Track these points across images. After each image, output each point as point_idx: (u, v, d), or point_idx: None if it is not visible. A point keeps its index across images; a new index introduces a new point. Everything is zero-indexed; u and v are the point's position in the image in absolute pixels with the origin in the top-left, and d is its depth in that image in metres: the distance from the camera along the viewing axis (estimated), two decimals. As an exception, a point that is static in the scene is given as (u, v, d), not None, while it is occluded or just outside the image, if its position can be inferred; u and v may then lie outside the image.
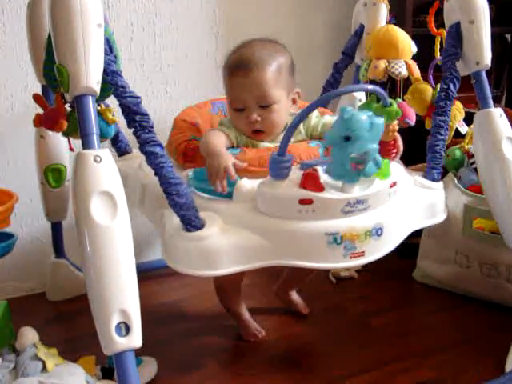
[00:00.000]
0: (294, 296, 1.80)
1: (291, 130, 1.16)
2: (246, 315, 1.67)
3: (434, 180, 1.50)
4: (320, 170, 1.20)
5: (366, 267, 2.05)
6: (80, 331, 1.66)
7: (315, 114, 1.47)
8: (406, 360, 1.55)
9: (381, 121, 1.14)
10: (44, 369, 1.24)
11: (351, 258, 1.22)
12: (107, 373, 1.37)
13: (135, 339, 1.02)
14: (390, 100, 1.30)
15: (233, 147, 1.39)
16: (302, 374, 1.51)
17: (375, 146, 1.15)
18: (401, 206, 1.33)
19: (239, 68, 1.36)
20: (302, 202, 1.17)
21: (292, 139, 1.40)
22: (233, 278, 1.55)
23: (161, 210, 1.28)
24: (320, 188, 1.18)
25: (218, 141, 1.33)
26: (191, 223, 1.17)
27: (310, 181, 1.17)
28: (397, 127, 1.37)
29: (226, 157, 1.26)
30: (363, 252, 1.23)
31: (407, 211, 1.36)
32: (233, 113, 1.41)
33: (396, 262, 2.12)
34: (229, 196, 1.24)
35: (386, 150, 1.34)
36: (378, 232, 1.24)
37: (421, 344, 1.62)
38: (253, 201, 1.21)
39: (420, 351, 1.58)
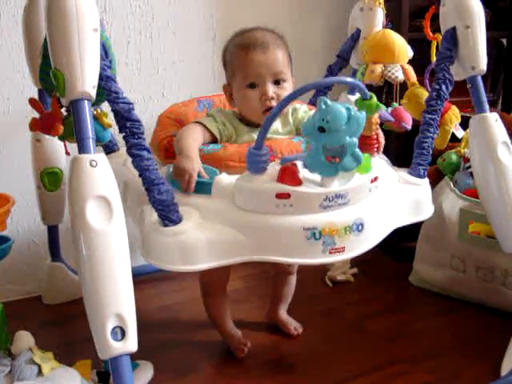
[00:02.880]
0: (284, 316, 1.75)
1: (268, 122, 1.15)
2: (232, 329, 1.63)
3: (419, 176, 1.46)
4: (299, 164, 1.18)
5: (363, 270, 2.07)
6: (76, 335, 1.66)
7: (304, 108, 1.48)
8: (402, 364, 1.55)
9: (361, 114, 1.12)
10: (40, 373, 1.24)
11: (330, 253, 1.20)
12: (103, 377, 1.37)
13: (131, 343, 1.02)
14: (369, 93, 1.27)
15: (215, 142, 1.38)
16: (297, 378, 1.51)
17: (354, 139, 1.13)
18: (383, 201, 1.30)
19: (257, 45, 1.38)
20: (280, 196, 1.16)
21: (280, 129, 1.42)
22: (216, 278, 1.56)
23: (141, 207, 1.28)
24: (298, 182, 1.16)
25: (191, 142, 1.31)
26: (169, 218, 1.16)
27: (288, 175, 1.16)
28: (378, 120, 1.35)
29: (192, 164, 1.24)
30: (343, 247, 1.21)
31: (390, 207, 1.33)
32: (243, 92, 1.40)
33: (392, 265, 2.13)
34: (208, 191, 1.23)
35: (367, 144, 1.32)
36: (358, 227, 1.22)
37: (417, 348, 1.63)
38: (231, 196, 1.20)
39: (416, 355, 1.59)
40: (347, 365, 1.55)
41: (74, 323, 1.72)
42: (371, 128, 1.32)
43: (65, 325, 1.78)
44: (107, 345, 1.00)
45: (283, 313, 1.76)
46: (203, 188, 1.23)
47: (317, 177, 1.18)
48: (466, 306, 1.83)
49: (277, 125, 1.42)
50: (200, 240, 1.17)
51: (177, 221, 1.17)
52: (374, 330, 1.73)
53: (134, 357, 1.05)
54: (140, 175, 1.16)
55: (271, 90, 1.38)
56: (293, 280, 1.72)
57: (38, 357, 1.27)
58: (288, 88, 1.40)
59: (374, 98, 1.29)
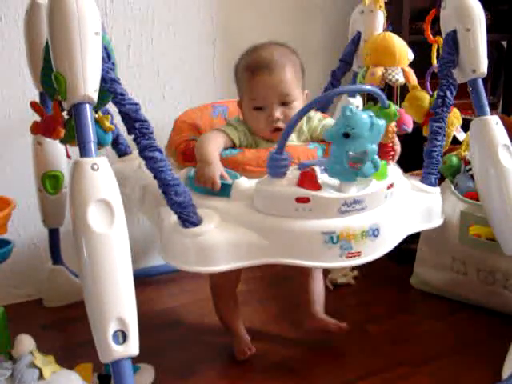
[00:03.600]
0: (323, 316, 1.65)
1: (289, 129, 1.17)
2: (241, 330, 1.61)
3: (431, 185, 1.51)
4: (318, 170, 1.21)
5: (364, 273, 2.07)
6: (77, 338, 1.66)
7: (318, 116, 1.50)
8: (402, 366, 1.55)
9: (382, 122, 1.15)
10: (41, 376, 1.23)
11: (347, 257, 1.22)
12: (104, 380, 1.37)
13: (132, 347, 1.02)
14: (388, 102, 1.31)
15: (233, 147, 1.40)
16: (298, 381, 1.51)
17: (374, 146, 1.16)
18: (398, 207, 1.33)
19: (262, 67, 1.39)
20: (299, 200, 1.18)
21: (295, 140, 1.43)
22: (227, 281, 1.56)
23: (158, 209, 1.29)
24: (317, 187, 1.18)
25: (213, 147, 1.34)
26: (188, 220, 1.18)
27: (307, 179, 1.18)
28: (395, 129, 1.38)
29: (214, 168, 1.27)
30: (359, 252, 1.24)
31: (404, 213, 1.37)
32: (252, 112, 1.43)
33: (393, 268, 2.13)
34: (227, 194, 1.25)
35: (384, 151, 1.35)
36: (374, 233, 1.24)
37: (418, 350, 1.63)
38: (250, 199, 1.22)
39: (417, 357, 1.59)
40: (348, 368, 1.55)
41: (75, 326, 1.72)
42: (388, 136, 1.35)
43: (66, 328, 1.78)
44: (108, 348, 1.00)
45: (322, 314, 1.65)
46: (223, 190, 1.25)
47: (335, 182, 1.21)
48: (466, 309, 1.83)
49: (292, 136, 1.42)
50: (220, 242, 1.18)
51: (196, 222, 1.18)
52: (375, 332, 1.73)
53: (135, 360, 1.05)
54: (155, 177, 1.17)
55: (278, 112, 1.40)
56: (319, 275, 1.67)
57: (39, 360, 1.26)
58: (297, 107, 1.40)
59: (393, 107, 1.31)
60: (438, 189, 1.52)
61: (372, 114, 1.15)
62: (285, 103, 1.41)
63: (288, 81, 1.40)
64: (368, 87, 1.29)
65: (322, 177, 1.21)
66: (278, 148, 1.18)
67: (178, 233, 1.19)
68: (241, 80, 1.47)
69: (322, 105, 1.77)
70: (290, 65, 1.42)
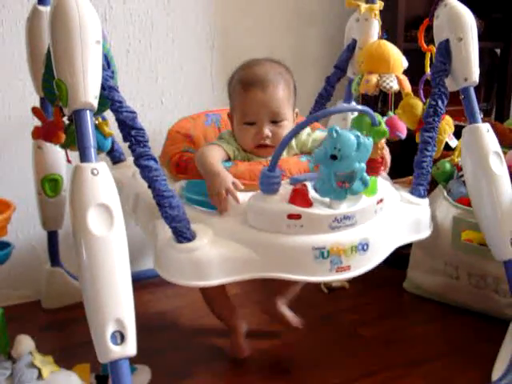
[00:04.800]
0: (283, 309, 1.66)
1: (282, 147, 1.19)
2: (240, 328, 1.61)
3: (420, 196, 1.53)
4: (309, 185, 1.23)
5: (357, 277, 2.09)
6: (75, 339, 1.68)
7: (307, 130, 1.51)
8: (395, 369, 1.57)
9: (369, 141, 1.17)
10: (40, 376, 1.26)
11: (337, 271, 1.25)
12: (102, 380, 1.38)
13: (130, 348, 1.04)
14: (378, 119, 1.33)
15: (228, 160, 1.42)
16: (294, 383, 1.53)
17: (362, 165, 1.18)
18: (387, 221, 1.35)
19: (256, 83, 1.40)
20: (291, 216, 1.20)
21: (285, 154, 1.44)
22: (217, 288, 1.57)
23: (153, 221, 1.31)
24: (308, 204, 1.20)
25: (216, 158, 1.35)
26: (182, 235, 1.19)
27: (299, 196, 1.20)
28: (384, 145, 1.40)
29: (225, 177, 1.28)
30: (349, 266, 1.26)
31: (393, 227, 1.38)
32: (241, 127, 1.44)
33: (387, 272, 2.15)
34: None
35: (373, 166, 1.37)
36: (363, 247, 1.27)
37: (410, 353, 1.65)
38: (243, 214, 1.24)
39: (409, 360, 1.61)
40: (341, 370, 1.57)
41: (73, 327, 1.74)
42: (377, 153, 1.38)
43: (64, 329, 1.80)
44: (107, 349, 1.02)
45: (283, 306, 1.66)
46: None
47: (325, 199, 1.23)
48: (458, 312, 1.85)
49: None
50: (214, 257, 1.20)
51: (190, 238, 1.20)
52: (369, 335, 1.75)
53: (131, 361, 1.06)
54: (149, 186, 1.18)
55: (267, 129, 1.41)
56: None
57: (38, 360, 1.29)
58: (287, 126, 1.42)
59: (383, 125, 1.33)
60: (426, 200, 1.54)
61: (358, 133, 1.17)
62: (275, 121, 1.42)
63: (280, 99, 1.41)
64: (360, 107, 1.31)
65: (313, 192, 1.23)
66: (271, 165, 1.20)
67: (172, 248, 1.21)
68: (233, 93, 1.48)
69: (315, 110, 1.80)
70: (284, 84, 1.43)
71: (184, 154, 1.46)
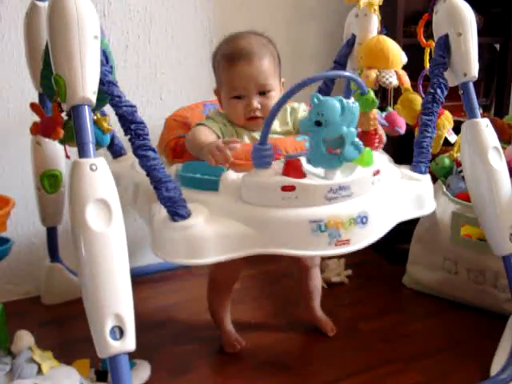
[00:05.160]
0: (319, 313, 1.76)
1: (270, 119, 1.18)
2: (229, 326, 1.66)
3: (420, 173, 1.50)
4: (303, 160, 1.22)
5: (357, 272, 2.10)
6: (74, 335, 1.68)
7: (303, 107, 1.51)
8: (394, 364, 1.57)
9: (354, 105, 1.16)
10: (39, 371, 1.26)
11: (336, 245, 1.22)
12: (101, 376, 1.39)
13: (129, 343, 1.04)
14: (367, 88, 1.30)
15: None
16: (292, 378, 1.54)
17: (352, 129, 1.17)
18: (386, 194, 1.33)
19: (241, 57, 1.40)
20: (285, 188, 1.18)
21: (279, 128, 1.45)
22: (227, 277, 1.58)
23: (149, 204, 1.30)
24: (302, 175, 1.19)
25: (205, 136, 1.36)
26: (178, 213, 1.18)
27: (292, 168, 1.19)
28: (377, 116, 1.38)
29: (216, 141, 1.27)
30: (348, 240, 1.23)
31: (393, 201, 1.36)
32: (229, 101, 1.44)
33: (386, 267, 2.16)
34: (215, 188, 1.26)
35: (367, 139, 1.35)
36: (362, 220, 1.24)
37: (409, 348, 1.65)
38: (238, 191, 1.23)
39: (408, 355, 1.61)
40: (340, 365, 1.58)
41: (73, 323, 1.75)
42: (369, 123, 1.35)
43: (63, 324, 1.80)
44: (106, 344, 1.02)
45: (318, 310, 1.75)
46: (211, 184, 1.26)
47: (320, 171, 1.22)
48: (457, 307, 1.85)
49: (275, 124, 1.44)
50: (208, 234, 1.18)
51: (185, 216, 1.19)
52: (368, 330, 1.76)
53: (131, 356, 1.07)
54: (147, 174, 1.18)
55: (256, 101, 1.42)
56: (316, 273, 1.71)
57: (37, 355, 1.29)
58: (274, 97, 1.42)
59: (371, 93, 1.31)
60: (428, 176, 1.51)
61: (342, 98, 1.16)
62: (263, 93, 1.43)
63: (267, 71, 1.42)
64: (346, 73, 1.30)
65: (308, 167, 1.21)
66: (261, 139, 1.19)
67: (167, 226, 1.19)
68: (219, 69, 1.47)
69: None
70: (269, 54, 1.43)
71: (180, 139, 1.45)
